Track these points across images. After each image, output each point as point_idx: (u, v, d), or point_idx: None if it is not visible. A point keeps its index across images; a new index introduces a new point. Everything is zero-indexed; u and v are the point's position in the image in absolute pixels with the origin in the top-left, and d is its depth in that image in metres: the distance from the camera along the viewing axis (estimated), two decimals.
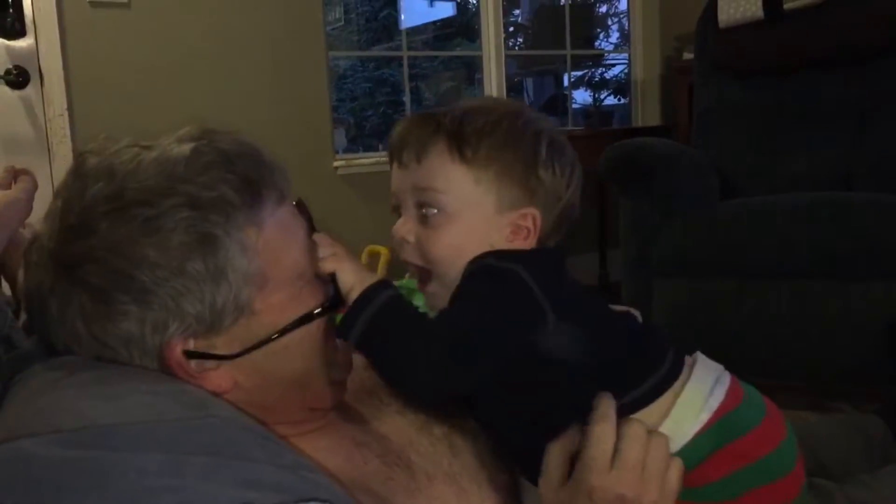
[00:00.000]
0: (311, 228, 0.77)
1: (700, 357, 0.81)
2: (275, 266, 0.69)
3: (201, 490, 0.52)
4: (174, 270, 0.64)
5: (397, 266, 1.72)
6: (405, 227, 0.81)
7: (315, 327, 0.73)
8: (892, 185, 2.04)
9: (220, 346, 0.68)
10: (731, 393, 0.78)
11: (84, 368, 0.65)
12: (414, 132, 0.80)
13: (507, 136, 0.78)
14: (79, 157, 0.70)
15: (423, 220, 0.79)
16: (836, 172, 2.37)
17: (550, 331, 0.73)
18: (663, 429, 0.75)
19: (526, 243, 0.79)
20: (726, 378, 0.79)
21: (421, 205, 0.79)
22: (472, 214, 0.78)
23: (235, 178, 0.67)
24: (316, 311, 0.72)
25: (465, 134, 0.77)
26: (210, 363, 0.68)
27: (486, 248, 0.78)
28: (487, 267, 0.76)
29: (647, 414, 0.75)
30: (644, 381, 0.76)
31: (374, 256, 2.92)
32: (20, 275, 1.08)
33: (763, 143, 2.55)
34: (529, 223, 0.78)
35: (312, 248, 0.74)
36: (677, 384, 0.77)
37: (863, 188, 2.22)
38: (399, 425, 0.84)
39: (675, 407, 0.75)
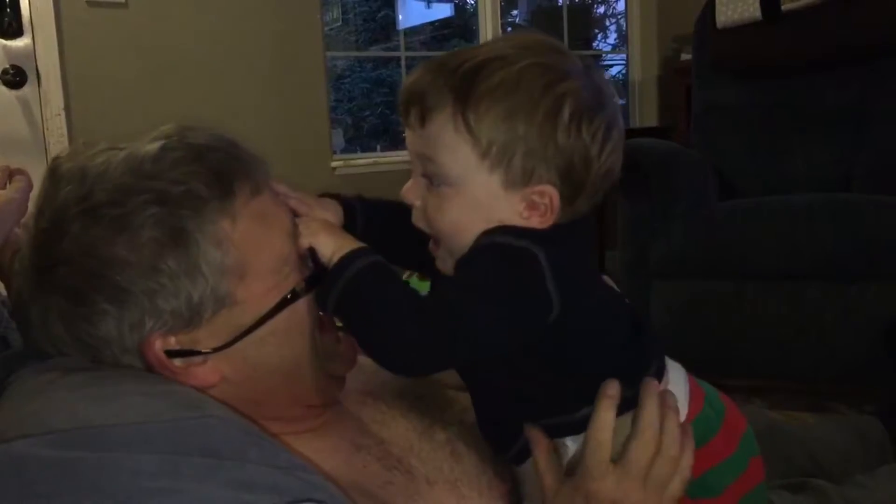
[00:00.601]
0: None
1: (668, 360, 0.79)
2: (255, 256, 0.69)
3: (196, 491, 0.52)
4: (146, 268, 0.64)
5: None
6: (412, 190, 0.73)
7: (301, 311, 0.72)
8: (890, 186, 2.05)
9: (204, 339, 0.68)
10: (694, 395, 0.77)
11: (78, 370, 0.65)
12: (423, 86, 0.70)
13: (519, 102, 0.67)
14: (52, 162, 0.71)
15: (430, 186, 0.72)
16: (835, 173, 2.37)
17: (549, 323, 0.68)
18: None
19: (543, 221, 0.69)
20: (687, 379, 0.78)
21: (426, 174, 0.72)
22: (478, 190, 0.69)
23: (205, 171, 0.67)
24: (296, 289, 0.71)
25: (474, 96, 0.67)
26: (195, 358, 0.68)
27: (496, 225, 0.70)
28: (502, 246, 0.68)
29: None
30: (636, 380, 0.74)
31: None
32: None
33: (761, 143, 2.55)
34: (546, 200, 0.69)
35: (295, 234, 0.73)
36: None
37: (861, 189, 2.22)
38: (401, 430, 0.83)
39: None
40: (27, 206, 1.05)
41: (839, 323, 1.94)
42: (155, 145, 0.68)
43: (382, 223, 0.81)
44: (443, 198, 0.71)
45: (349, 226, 0.79)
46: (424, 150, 0.70)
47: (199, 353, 0.68)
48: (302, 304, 0.72)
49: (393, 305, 0.66)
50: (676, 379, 0.77)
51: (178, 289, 0.65)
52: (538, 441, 0.74)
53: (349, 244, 0.70)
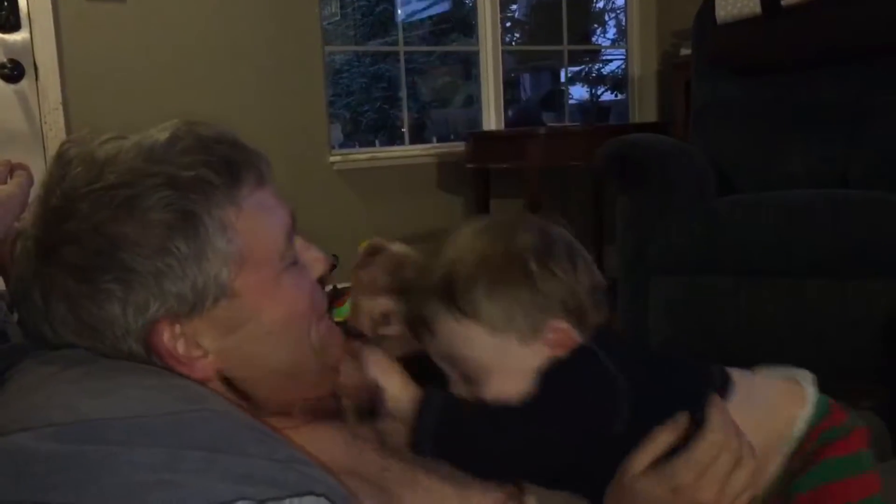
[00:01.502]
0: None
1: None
2: (254, 246, 0.70)
3: (195, 484, 0.52)
4: (155, 248, 0.65)
5: None
6: (458, 392, 0.80)
7: (301, 307, 0.74)
8: (889, 183, 2.04)
9: (205, 330, 0.69)
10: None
11: (78, 363, 0.65)
12: (415, 310, 0.79)
13: (493, 276, 0.75)
14: (60, 146, 0.71)
15: (466, 379, 0.79)
16: (833, 170, 2.37)
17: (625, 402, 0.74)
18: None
19: (571, 346, 0.77)
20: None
21: (462, 374, 0.79)
22: (505, 359, 0.76)
23: (214, 159, 0.68)
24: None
25: (458, 291, 0.75)
26: (197, 351, 0.68)
27: (533, 374, 0.76)
28: (561, 365, 0.75)
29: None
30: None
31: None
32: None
33: (760, 139, 2.55)
34: (562, 333, 0.76)
35: (292, 233, 0.75)
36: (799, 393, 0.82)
37: (860, 185, 2.22)
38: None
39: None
40: (27, 201, 1.05)
41: (837, 319, 1.94)
42: (164, 134, 0.69)
43: None
44: (482, 383, 0.77)
45: None
46: (450, 352, 0.78)
47: (199, 346, 0.68)
48: (303, 300, 0.73)
49: (490, 442, 0.73)
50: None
51: (185, 272, 0.66)
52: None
53: (415, 388, 0.75)
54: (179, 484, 0.52)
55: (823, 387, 0.88)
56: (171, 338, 0.67)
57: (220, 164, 0.69)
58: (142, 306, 0.65)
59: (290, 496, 0.53)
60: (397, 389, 0.75)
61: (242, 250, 0.69)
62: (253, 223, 0.70)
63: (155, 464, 0.53)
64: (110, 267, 0.65)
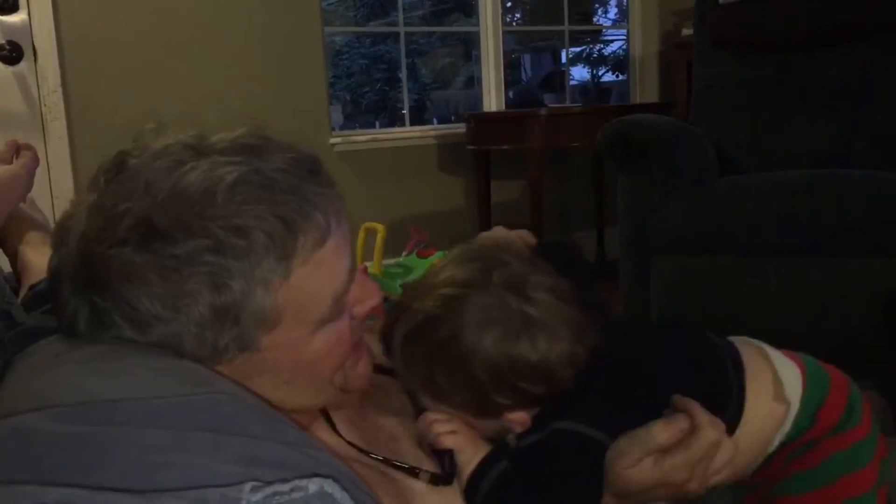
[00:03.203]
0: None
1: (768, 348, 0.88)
2: (294, 308, 0.65)
3: (204, 466, 0.52)
4: (180, 313, 0.62)
5: (393, 242, 1.72)
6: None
7: (328, 368, 0.71)
8: (891, 162, 2.04)
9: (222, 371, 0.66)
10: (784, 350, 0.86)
11: (85, 344, 0.64)
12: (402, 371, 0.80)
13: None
14: (118, 155, 0.66)
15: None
16: (835, 149, 2.37)
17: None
18: (784, 388, 0.83)
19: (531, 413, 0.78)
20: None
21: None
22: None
23: (273, 219, 0.62)
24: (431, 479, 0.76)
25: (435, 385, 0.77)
26: None
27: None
28: (540, 444, 0.76)
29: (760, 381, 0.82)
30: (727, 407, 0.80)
31: (371, 233, 2.91)
32: (20, 250, 1.08)
33: (762, 119, 2.54)
34: (523, 420, 0.78)
35: (347, 289, 0.70)
36: (759, 350, 0.85)
37: (862, 165, 2.21)
38: (391, 424, 0.84)
39: (777, 368, 0.83)
40: (32, 182, 1.05)
41: (839, 299, 1.95)
42: (230, 172, 0.63)
43: None
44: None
45: None
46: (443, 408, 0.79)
47: None
48: (333, 357, 0.71)
49: None
50: (758, 342, 0.87)
51: (205, 336, 0.63)
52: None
53: (482, 451, 0.77)
54: (187, 465, 0.52)
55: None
56: None
57: (279, 227, 0.63)
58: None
59: (298, 478, 0.53)
60: (463, 454, 0.77)
61: (280, 312, 0.64)
62: (299, 287, 0.65)
63: (163, 445, 0.53)
64: (130, 317, 0.62)
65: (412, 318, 0.75)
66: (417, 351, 0.75)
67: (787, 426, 0.83)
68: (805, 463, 0.83)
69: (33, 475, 0.52)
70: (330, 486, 0.55)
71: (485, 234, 0.94)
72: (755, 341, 0.88)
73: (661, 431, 0.74)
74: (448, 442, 0.77)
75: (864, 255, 1.93)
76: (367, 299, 0.73)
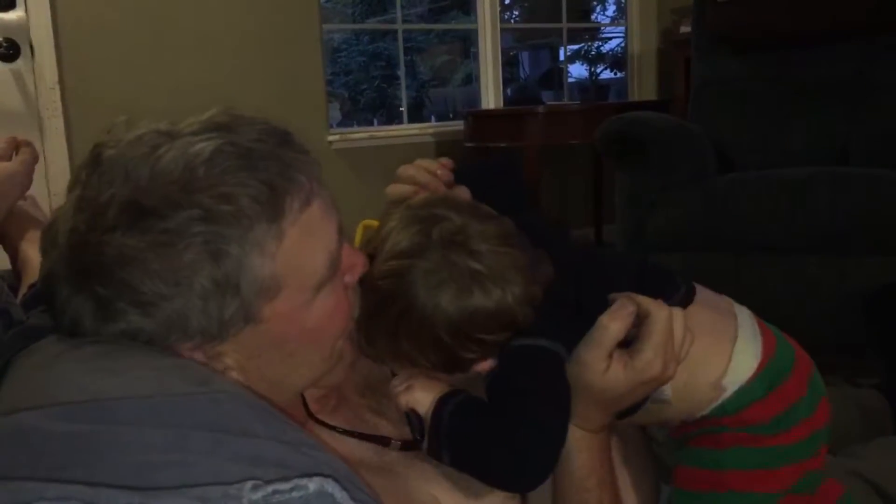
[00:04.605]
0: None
1: (735, 304, 0.89)
2: (292, 274, 0.66)
3: (204, 465, 0.52)
4: (182, 287, 0.62)
5: None
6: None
7: (329, 335, 0.72)
8: (889, 160, 2.04)
9: (227, 352, 0.67)
10: (766, 339, 0.84)
11: (86, 344, 0.64)
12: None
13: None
14: (95, 147, 0.67)
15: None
16: (833, 146, 2.37)
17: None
18: (726, 377, 0.80)
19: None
20: (755, 322, 0.86)
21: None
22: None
23: (256, 183, 0.63)
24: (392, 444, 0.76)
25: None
26: (219, 365, 0.67)
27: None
28: (515, 354, 0.75)
29: (710, 364, 0.80)
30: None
31: (369, 230, 2.92)
32: (20, 248, 1.08)
33: (760, 117, 2.54)
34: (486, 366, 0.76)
35: (339, 250, 0.71)
36: (731, 331, 0.83)
37: (860, 163, 2.22)
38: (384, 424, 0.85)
39: (733, 356, 0.81)
40: (31, 179, 1.05)
41: (837, 296, 1.95)
42: (206, 147, 0.64)
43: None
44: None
45: None
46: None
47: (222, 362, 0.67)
48: (333, 324, 0.72)
49: (493, 449, 0.73)
50: (744, 323, 0.85)
51: (210, 308, 0.63)
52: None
53: (437, 392, 0.75)
54: (188, 464, 0.52)
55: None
56: (191, 350, 0.66)
57: (264, 190, 0.63)
58: (161, 334, 0.64)
59: (298, 477, 0.53)
60: (422, 403, 0.75)
61: (278, 279, 0.65)
62: (293, 250, 0.66)
63: (164, 444, 0.53)
64: (134, 300, 0.62)
65: (366, 297, 0.75)
66: (379, 327, 0.74)
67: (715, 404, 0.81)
68: (711, 442, 0.82)
69: (35, 472, 0.52)
70: (330, 486, 0.55)
71: (403, 169, 0.91)
72: (748, 316, 0.88)
73: (611, 321, 0.74)
74: (403, 401, 0.76)
75: (861, 253, 1.94)
76: (355, 267, 0.74)
